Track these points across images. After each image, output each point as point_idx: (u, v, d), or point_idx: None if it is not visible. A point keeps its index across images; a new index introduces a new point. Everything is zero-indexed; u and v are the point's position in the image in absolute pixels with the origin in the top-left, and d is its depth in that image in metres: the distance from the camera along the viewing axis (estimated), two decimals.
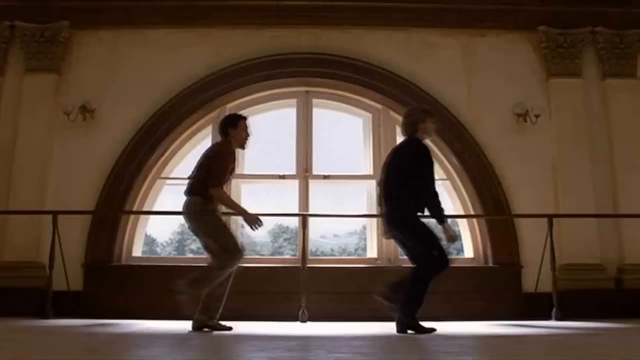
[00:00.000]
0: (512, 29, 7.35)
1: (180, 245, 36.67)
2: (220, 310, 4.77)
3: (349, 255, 8.32)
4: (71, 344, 3.65)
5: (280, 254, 18.12)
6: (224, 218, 5.08)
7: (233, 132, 4.93)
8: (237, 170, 7.15)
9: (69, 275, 6.34)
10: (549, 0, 7.32)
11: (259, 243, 17.54)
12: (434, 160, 4.79)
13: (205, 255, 5.14)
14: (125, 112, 7.02)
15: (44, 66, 7.08)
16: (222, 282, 4.72)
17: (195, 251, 19.01)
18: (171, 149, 7.21)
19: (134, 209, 6.98)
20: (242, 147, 5.01)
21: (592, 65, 7.32)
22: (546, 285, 6.36)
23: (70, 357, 2.84)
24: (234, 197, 7.15)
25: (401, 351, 3.44)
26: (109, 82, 7.10)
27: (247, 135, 4.98)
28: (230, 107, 7.16)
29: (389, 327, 4.92)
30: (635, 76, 7.28)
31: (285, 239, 18.57)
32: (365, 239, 8.68)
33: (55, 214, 6.21)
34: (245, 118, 5.08)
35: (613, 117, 7.16)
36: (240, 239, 4.96)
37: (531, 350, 3.52)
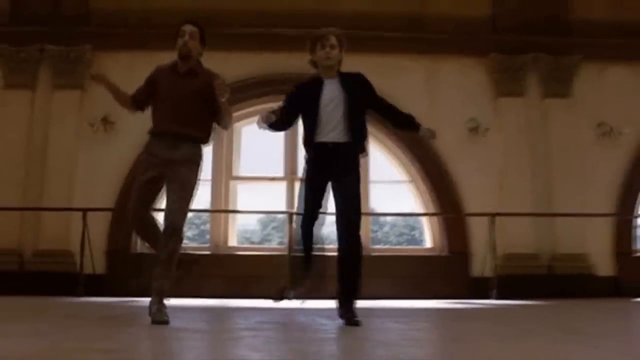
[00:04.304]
0: (469, 55, 8.65)
1: (201, 236, 37.86)
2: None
3: (330, 242, 9.54)
4: (104, 313, 4.96)
5: (269, 240, 19.55)
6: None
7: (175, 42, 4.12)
8: (234, 172, 8.54)
9: (93, 260, 7.63)
10: (499, 30, 8.66)
11: (249, 231, 18.87)
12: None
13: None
14: (139, 123, 8.20)
15: (70, 83, 8.31)
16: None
17: (191, 238, 20.39)
18: None
19: None
20: (181, 56, 4.09)
21: (535, 86, 8.66)
22: (491, 271, 7.75)
23: (105, 323, 4.08)
24: (231, 196, 8.56)
25: (362, 314, 4.78)
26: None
27: (182, 42, 4.05)
28: None
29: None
30: (570, 96, 8.62)
31: (273, 227, 19.93)
32: None
33: (84, 210, 7.50)
34: (184, 23, 4.15)
35: (551, 131, 8.51)
36: (133, 204, 4.07)
37: (473, 318, 4.88)
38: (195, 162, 4.01)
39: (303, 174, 4.19)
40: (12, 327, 3.60)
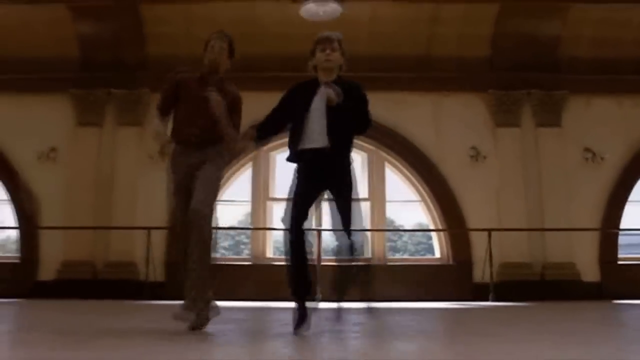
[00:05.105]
0: (469, 91, 10.01)
1: (236, 246, 39.33)
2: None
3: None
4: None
5: None
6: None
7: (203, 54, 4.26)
8: (270, 194, 10.01)
9: (155, 270, 9.16)
10: (496, 69, 10.00)
11: (278, 241, 20.31)
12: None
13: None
14: None
15: (132, 121, 9.89)
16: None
17: (227, 248, 22.12)
18: None
19: None
20: (209, 70, 4.25)
21: (528, 117, 9.97)
22: (489, 278, 9.09)
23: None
24: (267, 214, 10.05)
25: (386, 313, 6.18)
26: None
27: (211, 57, 4.18)
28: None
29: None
30: (560, 126, 9.93)
31: None
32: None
33: (147, 229, 9.04)
34: (216, 33, 4.29)
35: (542, 156, 9.81)
36: (175, 207, 4.10)
37: (473, 313, 6.26)
38: (219, 157, 4.12)
39: (292, 180, 4.01)
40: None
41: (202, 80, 4.20)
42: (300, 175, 3.95)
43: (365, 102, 4.00)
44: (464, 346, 3.44)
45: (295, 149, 3.90)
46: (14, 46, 9.81)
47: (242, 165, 10.17)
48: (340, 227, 3.93)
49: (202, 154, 4.07)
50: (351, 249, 3.96)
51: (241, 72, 9.90)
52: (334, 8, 8.01)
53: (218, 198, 4.21)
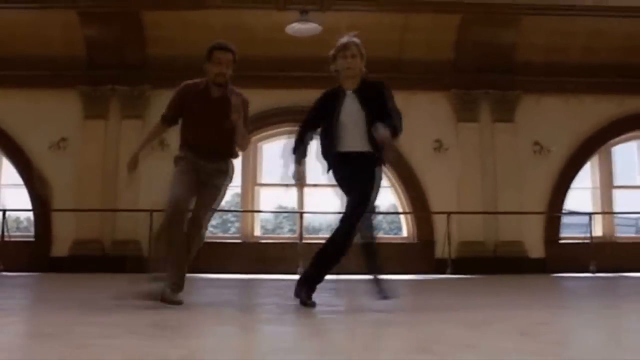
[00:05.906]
0: (435, 90, 11.31)
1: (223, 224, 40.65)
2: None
3: (332, 229, 12.62)
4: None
5: (281, 228, 22.40)
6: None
7: (206, 66, 4.32)
8: (258, 180, 11.29)
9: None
10: (459, 71, 11.30)
11: (263, 220, 21.69)
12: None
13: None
14: None
15: (135, 114, 11.05)
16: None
17: (215, 226, 23.38)
18: None
19: None
20: (215, 83, 4.31)
21: (486, 114, 11.32)
22: (448, 254, 10.50)
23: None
24: (255, 200, 11.33)
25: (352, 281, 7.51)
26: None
27: (218, 70, 4.24)
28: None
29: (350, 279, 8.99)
30: (513, 121, 11.30)
31: (284, 217, 22.69)
32: None
33: (150, 211, 10.27)
34: (220, 48, 4.28)
35: (498, 148, 11.19)
36: (177, 192, 4.42)
37: (431, 283, 7.63)
38: (225, 171, 4.41)
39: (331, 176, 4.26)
40: None
41: (206, 92, 4.34)
42: (337, 172, 4.23)
43: (384, 105, 4.33)
44: (418, 304, 4.78)
45: (333, 152, 4.17)
46: (28, 46, 10.90)
47: None
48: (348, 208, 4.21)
49: (212, 164, 4.36)
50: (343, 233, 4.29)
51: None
52: (315, 27, 9.23)
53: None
